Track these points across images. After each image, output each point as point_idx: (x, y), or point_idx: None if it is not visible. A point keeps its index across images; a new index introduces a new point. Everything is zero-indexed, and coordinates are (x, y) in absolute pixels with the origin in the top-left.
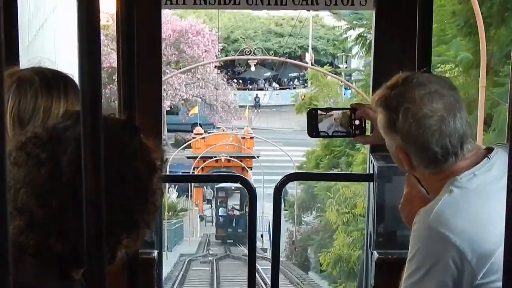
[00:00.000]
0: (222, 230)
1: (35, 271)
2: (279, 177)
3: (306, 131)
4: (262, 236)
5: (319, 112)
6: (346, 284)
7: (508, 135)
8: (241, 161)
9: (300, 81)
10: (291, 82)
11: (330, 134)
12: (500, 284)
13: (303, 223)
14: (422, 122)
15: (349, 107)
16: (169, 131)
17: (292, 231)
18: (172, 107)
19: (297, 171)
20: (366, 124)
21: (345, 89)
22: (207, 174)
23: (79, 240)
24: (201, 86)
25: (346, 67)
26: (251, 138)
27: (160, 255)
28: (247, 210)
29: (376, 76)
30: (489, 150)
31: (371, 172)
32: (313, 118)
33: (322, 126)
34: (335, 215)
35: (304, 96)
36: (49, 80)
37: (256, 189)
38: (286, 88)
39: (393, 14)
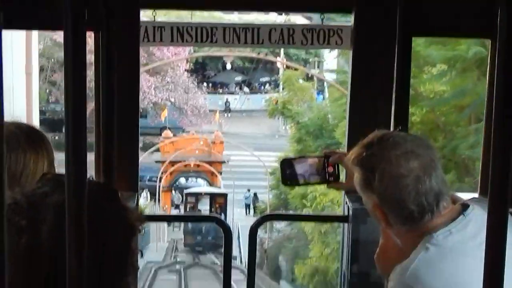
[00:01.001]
0: (190, 237)
1: None
2: (250, 183)
3: (280, 180)
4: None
5: (291, 160)
6: None
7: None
8: (210, 165)
9: (272, 86)
10: (263, 87)
11: (304, 181)
12: None
13: (274, 230)
14: (398, 182)
15: (322, 155)
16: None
17: (263, 238)
18: (141, 110)
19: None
20: (340, 171)
21: (317, 94)
22: (184, 215)
23: None
24: (171, 89)
25: (318, 72)
26: (221, 142)
27: None
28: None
29: (352, 118)
30: (464, 206)
31: (346, 213)
32: (286, 166)
33: (295, 174)
34: (311, 224)
35: (277, 101)
36: (32, 136)
37: (227, 194)
38: (257, 93)
39: (370, 54)
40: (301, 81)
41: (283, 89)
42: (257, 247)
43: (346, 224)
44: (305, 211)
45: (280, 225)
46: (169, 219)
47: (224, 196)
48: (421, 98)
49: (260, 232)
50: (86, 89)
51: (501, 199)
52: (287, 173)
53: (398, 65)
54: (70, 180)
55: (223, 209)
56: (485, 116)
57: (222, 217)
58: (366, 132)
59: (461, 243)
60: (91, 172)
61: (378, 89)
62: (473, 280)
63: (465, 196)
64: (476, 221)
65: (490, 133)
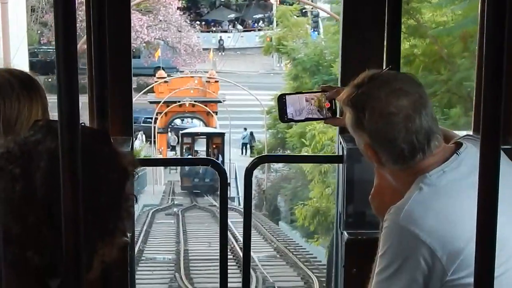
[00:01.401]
0: (187, 179)
1: (12, 282)
2: (247, 123)
3: (278, 117)
4: (229, 184)
5: (288, 96)
6: (325, 239)
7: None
8: (205, 105)
9: (266, 23)
10: (256, 24)
11: (302, 118)
12: (470, 279)
13: (272, 170)
14: (388, 120)
15: (319, 90)
16: None
17: (261, 179)
18: (134, 50)
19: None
20: (337, 106)
21: (312, 31)
22: (178, 158)
23: (56, 252)
24: (163, 28)
25: (312, 8)
26: (216, 81)
27: (132, 238)
28: (215, 157)
29: (344, 53)
30: (457, 145)
31: (340, 153)
32: (283, 103)
33: (292, 110)
34: (310, 164)
35: (271, 38)
36: (26, 82)
37: (225, 134)
38: (251, 30)
39: (362, 3)
40: (295, 17)
41: (277, 25)
42: (255, 188)
43: (341, 165)
44: (304, 150)
45: (278, 165)
46: (163, 163)
47: (221, 136)
48: (424, 28)
49: (258, 173)
50: (77, 29)
51: (493, 136)
52: (284, 109)
53: (390, 4)
54: (63, 125)
55: (221, 149)
56: (478, 47)
57: (220, 158)
58: (359, 69)
59: (455, 182)
60: (84, 115)
61: (370, 25)
62: (468, 218)
63: (459, 133)
64: (470, 159)
65: (482, 67)
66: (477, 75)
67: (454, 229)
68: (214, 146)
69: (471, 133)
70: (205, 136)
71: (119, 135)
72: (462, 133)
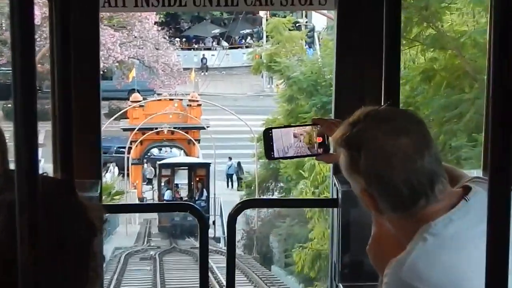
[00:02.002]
0: (166, 218)
1: None
2: (234, 152)
3: (264, 153)
4: (214, 223)
5: (275, 131)
6: None
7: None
8: (186, 132)
9: (254, 38)
10: (244, 40)
11: (290, 155)
12: None
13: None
14: (386, 162)
15: (310, 123)
16: (102, 99)
17: (250, 217)
18: (105, 70)
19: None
20: (330, 141)
21: (308, 47)
22: (152, 204)
23: None
24: (139, 46)
25: (306, 22)
26: (199, 105)
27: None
28: (198, 195)
29: (339, 82)
30: (465, 190)
31: (335, 196)
32: (269, 138)
33: (281, 146)
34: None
35: (260, 56)
36: None
37: (210, 164)
38: (237, 47)
39: (357, 15)
40: (288, 31)
41: (267, 40)
42: (244, 227)
43: (335, 209)
44: (302, 184)
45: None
46: (134, 209)
47: (206, 166)
48: (445, 39)
49: (246, 210)
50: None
51: (502, 178)
52: (271, 145)
53: (387, 26)
54: (20, 175)
55: (205, 183)
56: (486, 87)
57: (204, 193)
58: (355, 100)
59: (463, 231)
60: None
61: (366, 53)
62: (476, 273)
63: (467, 173)
64: (479, 206)
65: (489, 105)
66: (486, 109)
67: (462, 284)
68: (197, 179)
69: (481, 173)
70: (187, 167)
71: (86, 177)
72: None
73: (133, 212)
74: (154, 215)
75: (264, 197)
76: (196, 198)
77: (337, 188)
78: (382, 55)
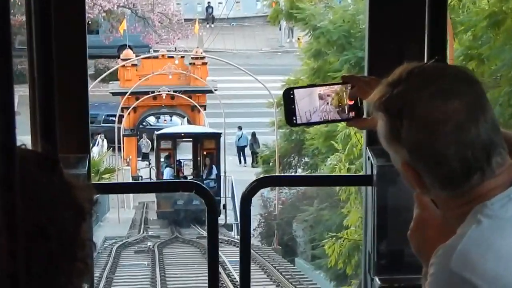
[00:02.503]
0: (166, 203)
1: None
2: (248, 120)
3: (284, 119)
4: (225, 207)
5: (298, 91)
6: None
7: None
8: (190, 97)
9: None
10: None
11: (316, 120)
12: None
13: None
14: (434, 130)
15: (340, 82)
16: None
17: (269, 199)
18: (90, 22)
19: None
20: (363, 103)
21: None
22: (147, 184)
23: None
24: None
25: None
26: (204, 63)
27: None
28: (205, 173)
29: (373, 32)
30: None
31: (369, 172)
32: (291, 100)
33: (304, 109)
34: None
35: (278, 3)
36: None
37: (221, 135)
38: None
39: None
40: None
41: None
42: (262, 212)
43: (369, 188)
44: (334, 158)
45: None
46: (128, 189)
47: (215, 137)
48: None
49: (263, 189)
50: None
51: None
52: (293, 108)
53: None
54: None
55: (215, 158)
56: None
57: (214, 171)
58: (392, 55)
59: None
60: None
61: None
62: None
63: None
64: None
65: None
66: None
67: None
68: (205, 153)
69: None
70: (191, 139)
71: (71, 152)
72: None
73: (127, 192)
74: (152, 198)
75: (285, 174)
76: (204, 177)
77: (371, 162)
78: (425, 4)
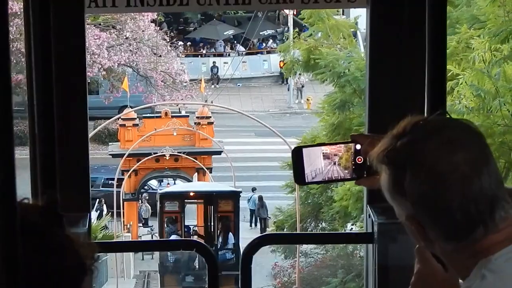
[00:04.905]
0: (172, 278)
1: None
2: (257, 184)
3: (293, 177)
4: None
5: (307, 150)
6: None
7: None
8: (195, 159)
9: (277, 41)
10: (264, 44)
11: (324, 178)
12: None
13: (301, 253)
14: (438, 182)
15: (348, 140)
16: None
17: (283, 269)
18: (89, 81)
19: None
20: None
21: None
22: (151, 241)
23: None
24: (132, 50)
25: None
26: (210, 123)
27: None
28: (220, 242)
29: (373, 90)
30: None
31: (370, 230)
32: (300, 159)
33: (313, 167)
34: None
35: (284, 64)
36: None
37: (240, 193)
38: (256, 53)
39: (394, 11)
40: (334, 17)
41: (303, 33)
42: (285, 284)
43: (370, 245)
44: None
45: (307, 246)
46: (126, 248)
47: (234, 197)
48: None
49: (279, 258)
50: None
51: None
52: (302, 167)
53: (430, 24)
54: None
55: (233, 222)
56: None
57: (231, 240)
58: (393, 112)
59: None
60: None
61: (405, 57)
62: None
63: None
64: None
65: None
66: None
67: None
68: (219, 215)
69: None
70: (202, 200)
71: (71, 211)
72: None
73: (125, 251)
74: (154, 266)
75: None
76: (219, 247)
77: (372, 220)
78: (424, 57)
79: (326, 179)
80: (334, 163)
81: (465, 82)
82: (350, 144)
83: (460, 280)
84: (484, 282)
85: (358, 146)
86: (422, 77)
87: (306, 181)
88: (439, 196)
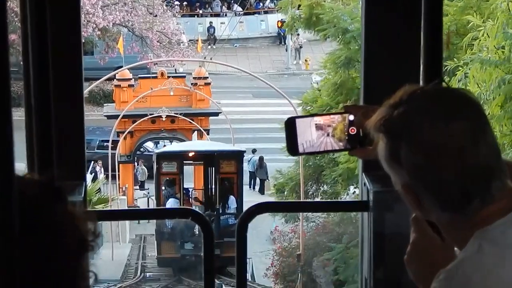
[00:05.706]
0: (170, 245)
1: None
2: (257, 145)
3: (286, 148)
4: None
5: (300, 121)
6: None
7: None
8: (192, 120)
9: (275, 1)
10: (261, 4)
11: (317, 149)
12: None
13: (297, 218)
14: (434, 153)
15: (342, 111)
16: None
17: (285, 234)
18: (84, 42)
19: None
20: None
21: None
22: (147, 209)
23: None
24: (127, 10)
25: None
26: (207, 84)
27: None
28: (221, 205)
29: (368, 61)
30: None
31: (365, 198)
32: (293, 130)
33: (306, 138)
34: None
35: (282, 24)
36: None
37: (244, 153)
38: (254, 13)
39: None
40: None
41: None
42: (286, 249)
43: (365, 214)
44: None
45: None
46: (120, 216)
47: (237, 157)
48: None
49: (279, 222)
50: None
51: None
52: (295, 138)
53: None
54: None
55: (236, 184)
56: None
57: (233, 205)
58: (388, 83)
59: None
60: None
61: (401, 26)
62: None
63: None
64: None
65: None
66: None
67: None
68: (221, 176)
69: None
70: (202, 161)
71: (67, 178)
72: None
73: (118, 219)
74: (151, 230)
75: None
76: (220, 211)
77: (367, 188)
78: (420, 25)
79: (319, 150)
80: (328, 134)
81: (487, 34)
82: (344, 115)
83: (456, 250)
84: (481, 253)
85: (352, 117)
86: (417, 47)
87: (299, 151)
88: (434, 168)
